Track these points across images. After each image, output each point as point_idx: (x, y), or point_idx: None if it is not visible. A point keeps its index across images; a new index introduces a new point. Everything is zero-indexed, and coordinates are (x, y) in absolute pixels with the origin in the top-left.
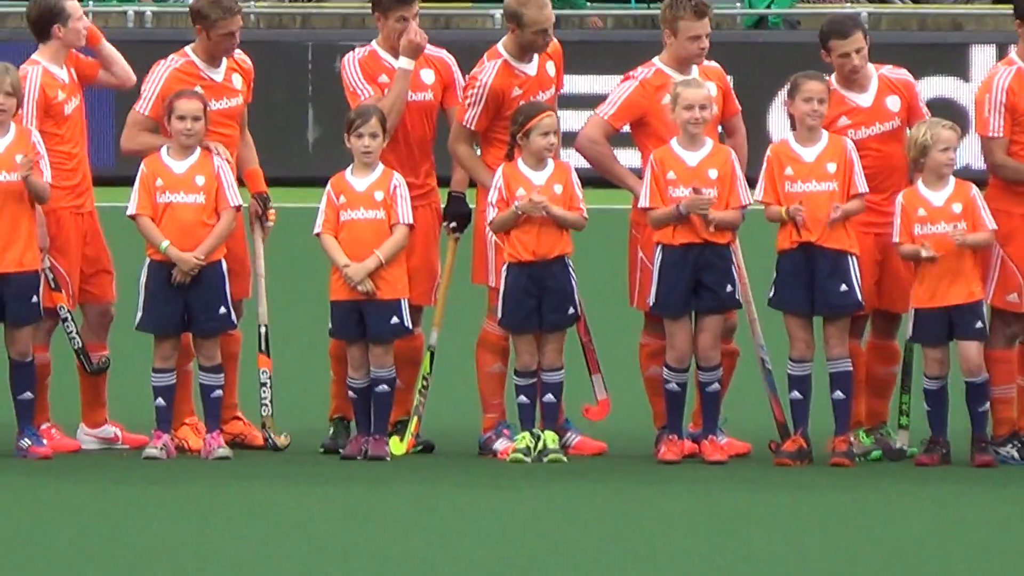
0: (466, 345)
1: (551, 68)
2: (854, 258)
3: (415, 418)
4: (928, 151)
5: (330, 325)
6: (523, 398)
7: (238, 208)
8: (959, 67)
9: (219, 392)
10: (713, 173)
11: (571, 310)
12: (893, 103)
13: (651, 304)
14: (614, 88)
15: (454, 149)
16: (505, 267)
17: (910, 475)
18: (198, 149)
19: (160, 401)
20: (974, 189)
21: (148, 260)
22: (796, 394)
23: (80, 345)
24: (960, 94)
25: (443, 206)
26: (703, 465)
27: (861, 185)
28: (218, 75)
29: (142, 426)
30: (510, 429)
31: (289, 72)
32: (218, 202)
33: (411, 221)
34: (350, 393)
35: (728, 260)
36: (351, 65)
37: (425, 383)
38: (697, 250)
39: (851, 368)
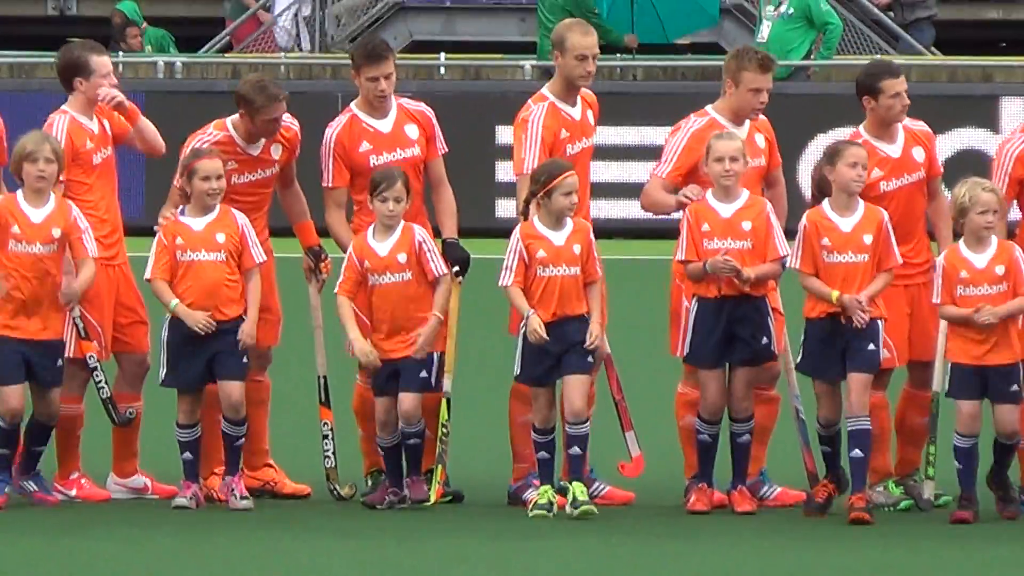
0: (489, 393)
1: (590, 117)
2: (882, 322)
3: (439, 466)
4: (967, 213)
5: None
6: (543, 453)
7: (262, 264)
8: (989, 119)
9: (241, 441)
10: (747, 225)
11: (590, 358)
12: (919, 154)
13: (685, 354)
14: (667, 140)
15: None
16: (523, 324)
17: (938, 529)
18: (217, 207)
19: (187, 455)
20: (1018, 251)
21: (168, 316)
22: (826, 448)
23: (108, 395)
24: (990, 146)
25: (440, 253)
26: (733, 516)
27: (895, 258)
28: (255, 150)
29: (172, 476)
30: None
31: (320, 122)
32: (243, 260)
33: (446, 272)
34: (380, 451)
35: (764, 313)
36: (328, 142)
37: (445, 430)
38: (732, 302)
39: (870, 426)
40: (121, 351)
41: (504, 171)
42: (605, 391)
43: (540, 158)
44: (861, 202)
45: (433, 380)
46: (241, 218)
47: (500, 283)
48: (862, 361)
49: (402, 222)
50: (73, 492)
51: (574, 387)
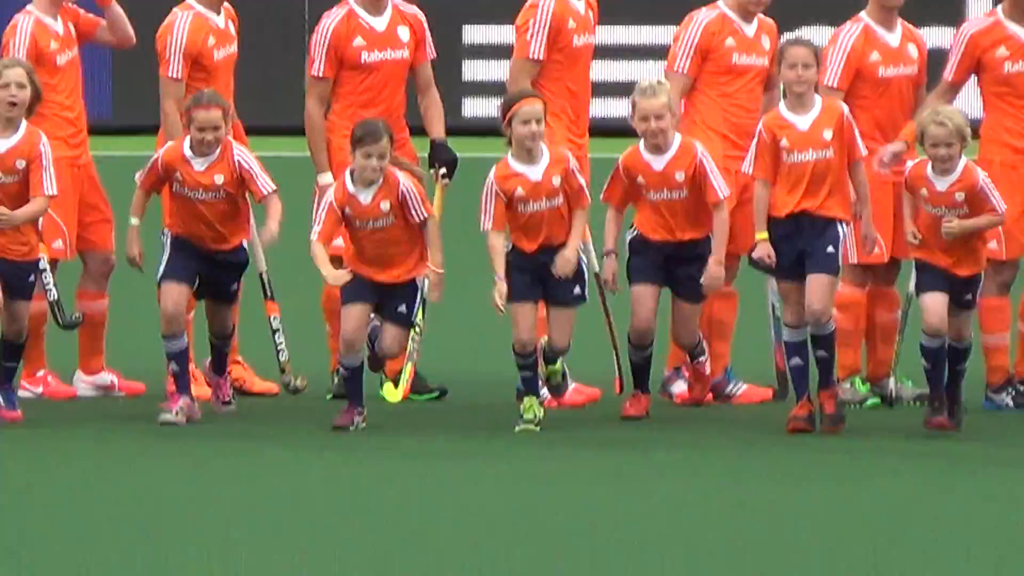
0: (465, 297)
1: (591, 16)
2: (844, 226)
3: (409, 364)
4: (923, 142)
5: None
6: (527, 372)
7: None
8: (956, 17)
9: (227, 350)
10: (680, 175)
11: (577, 289)
12: (913, 50)
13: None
14: (678, 36)
15: (512, 87)
16: (508, 246)
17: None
18: (217, 150)
19: (174, 366)
20: (982, 177)
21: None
22: (797, 360)
23: (55, 297)
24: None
25: (428, 154)
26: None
27: (859, 149)
28: (220, 21)
29: (139, 373)
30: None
31: (285, 23)
32: (254, 192)
33: (428, 214)
34: (342, 371)
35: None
36: (323, 32)
37: (417, 329)
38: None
39: (832, 329)
40: (86, 250)
41: (471, 70)
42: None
43: (546, 44)
44: (819, 99)
45: (414, 315)
46: (239, 153)
47: (481, 227)
48: (820, 263)
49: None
50: (40, 390)
51: (556, 322)
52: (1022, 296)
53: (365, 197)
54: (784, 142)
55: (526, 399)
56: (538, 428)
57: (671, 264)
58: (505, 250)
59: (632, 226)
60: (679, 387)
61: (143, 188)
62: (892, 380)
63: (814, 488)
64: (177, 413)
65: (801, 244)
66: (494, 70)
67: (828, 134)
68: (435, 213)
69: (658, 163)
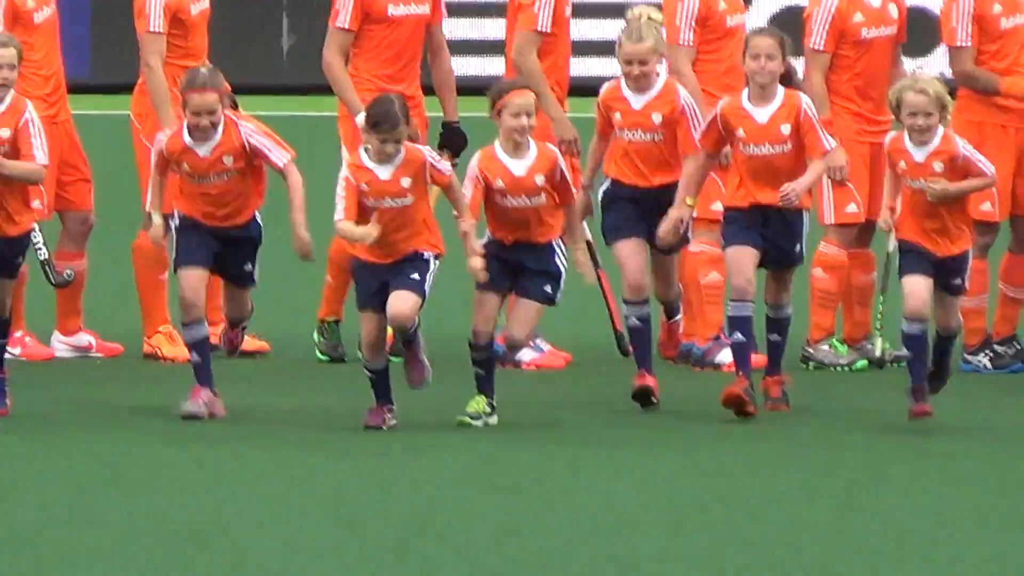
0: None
1: None
2: (808, 215)
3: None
4: (899, 112)
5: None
6: (479, 369)
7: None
8: None
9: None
10: (657, 117)
11: (547, 287)
12: (894, 10)
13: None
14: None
15: (520, 60)
16: (486, 238)
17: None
18: (219, 132)
19: (195, 357)
20: (961, 146)
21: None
22: (739, 336)
23: (46, 256)
24: (936, 3)
25: (440, 134)
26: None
27: (823, 144)
28: None
29: (117, 335)
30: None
31: None
32: (271, 163)
33: (448, 177)
34: (368, 374)
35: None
36: None
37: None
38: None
39: (788, 316)
40: (64, 209)
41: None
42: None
43: (552, 17)
44: (781, 91)
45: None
46: (244, 127)
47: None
48: (786, 259)
49: (401, 150)
50: (18, 351)
51: (519, 312)
52: (1002, 258)
53: (384, 172)
54: (740, 132)
55: (476, 396)
56: (478, 424)
57: (647, 216)
58: (482, 240)
59: (605, 178)
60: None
61: (160, 175)
62: (878, 340)
63: (793, 475)
64: (202, 406)
65: (769, 236)
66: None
67: (786, 128)
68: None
69: (637, 102)
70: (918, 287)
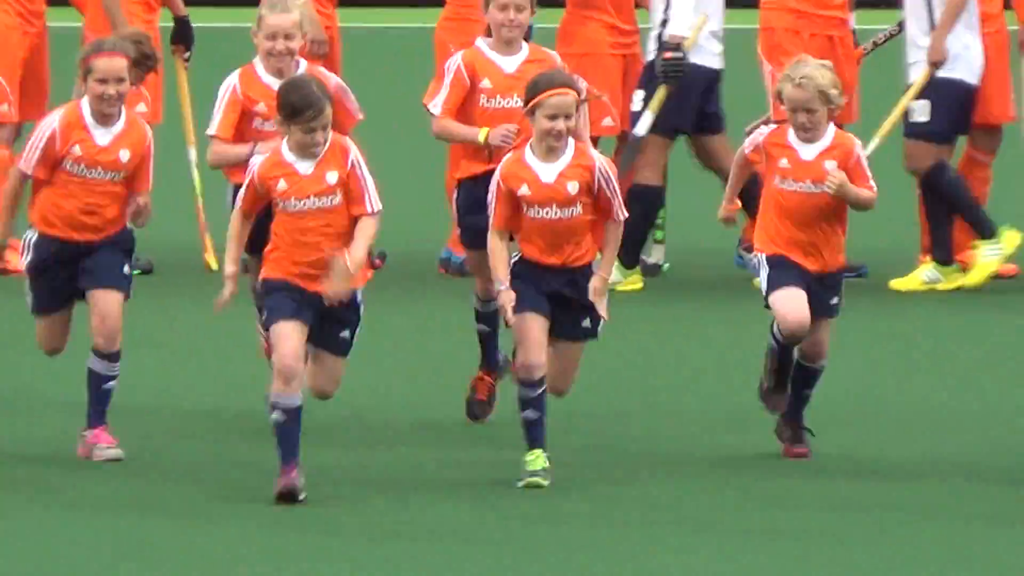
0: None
1: None
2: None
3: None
4: (782, 102)
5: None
6: (530, 412)
7: None
8: None
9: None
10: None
11: (586, 322)
12: None
13: None
14: None
15: None
16: (516, 255)
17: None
18: (123, 116)
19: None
20: (857, 147)
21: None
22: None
23: None
24: None
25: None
26: None
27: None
28: None
29: None
30: None
31: None
32: None
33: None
34: (277, 415)
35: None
36: None
37: None
38: None
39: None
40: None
41: None
42: None
43: None
44: (526, 45)
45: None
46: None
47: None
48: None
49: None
50: None
51: (559, 356)
52: None
53: (306, 168)
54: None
55: (531, 452)
56: (547, 482)
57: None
58: (512, 258)
59: None
60: None
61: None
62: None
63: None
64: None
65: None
66: None
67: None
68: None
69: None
70: (793, 299)
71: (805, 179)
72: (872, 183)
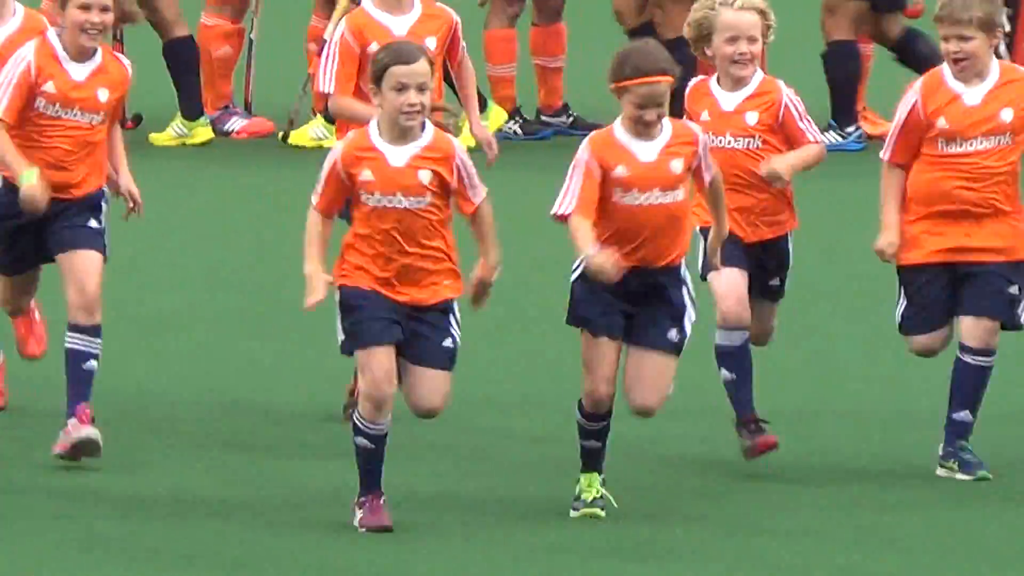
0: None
1: None
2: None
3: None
4: (709, 39)
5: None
6: (593, 442)
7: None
8: None
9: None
10: None
11: (673, 333)
12: None
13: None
14: None
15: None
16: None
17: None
18: (99, 51)
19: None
20: (786, 94)
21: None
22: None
23: None
24: None
25: None
26: None
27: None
28: None
29: None
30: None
31: None
32: None
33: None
34: (363, 441)
35: None
36: None
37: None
38: None
39: None
40: None
41: None
42: None
43: None
44: (418, 2)
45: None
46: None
47: (555, 210)
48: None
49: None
50: None
51: (642, 374)
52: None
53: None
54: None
55: (585, 475)
56: (603, 512)
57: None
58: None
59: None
60: None
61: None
62: None
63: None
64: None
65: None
66: None
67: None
68: None
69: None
70: (731, 282)
71: (724, 132)
72: (814, 132)
